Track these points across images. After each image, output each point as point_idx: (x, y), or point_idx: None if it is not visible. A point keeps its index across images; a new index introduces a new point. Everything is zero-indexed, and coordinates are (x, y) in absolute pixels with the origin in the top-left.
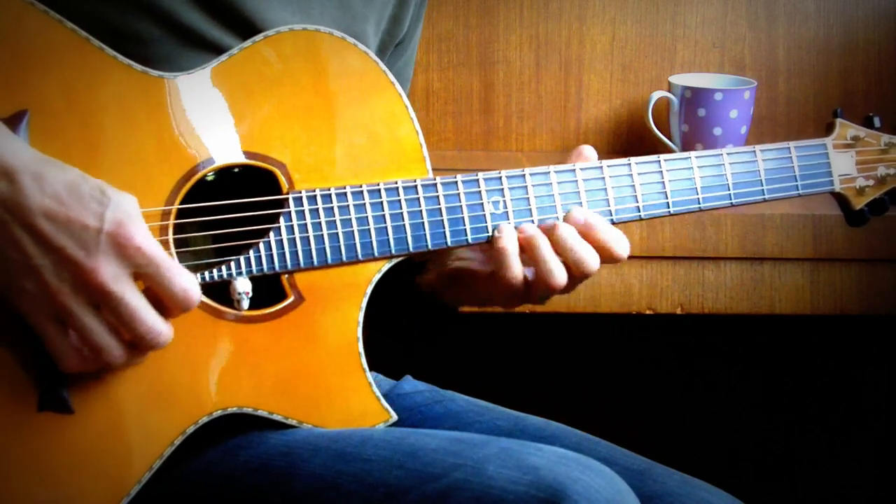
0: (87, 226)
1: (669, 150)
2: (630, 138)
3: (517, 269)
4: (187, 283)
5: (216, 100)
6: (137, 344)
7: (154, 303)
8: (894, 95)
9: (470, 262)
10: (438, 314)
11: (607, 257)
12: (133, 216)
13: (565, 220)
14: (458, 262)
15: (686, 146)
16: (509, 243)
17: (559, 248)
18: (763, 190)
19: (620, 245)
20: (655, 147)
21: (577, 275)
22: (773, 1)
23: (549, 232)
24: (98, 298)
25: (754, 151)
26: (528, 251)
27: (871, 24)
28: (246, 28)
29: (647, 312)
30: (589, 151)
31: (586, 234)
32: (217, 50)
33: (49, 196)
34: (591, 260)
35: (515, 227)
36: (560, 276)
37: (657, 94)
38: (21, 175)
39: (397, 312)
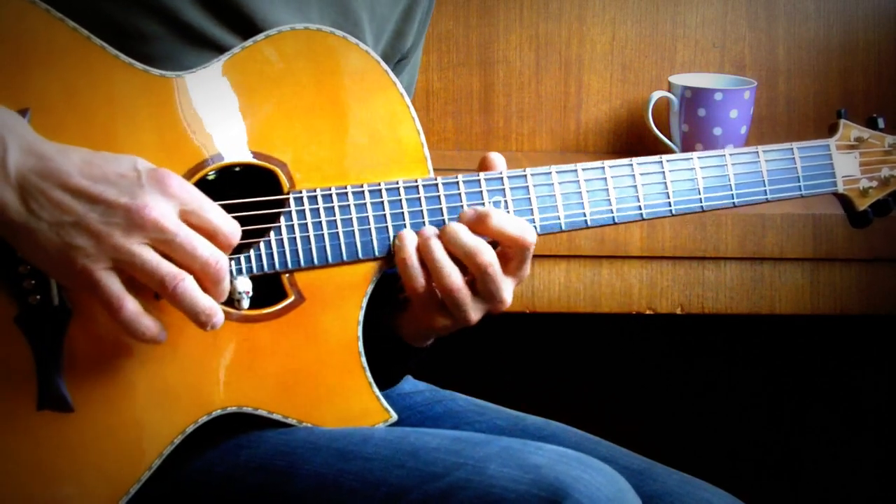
0: (125, 174)
1: (669, 151)
2: (630, 138)
3: (419, 279)
4: (228, 218)
5: (217, 99)
6: (199, 275)
7: None
8: (894, 95)
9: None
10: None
11: (508, 243)
12: (161, 168)
13: (458, 219)
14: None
15: (686, 146)
16: (407, 252)
17: (450, 245)
18: (766, 191)
19: (516, 227)
20: (655, 147)
21: (472, 269)
22: (773, 1)
23: (441, 232)
24: (152, 233)
25: (757, 152)
26: (422, 253)
27: (871, 24)
28: (246, 27)
29: (647, 312)
30: (496, 157)
31: (478, 225)
32: (218, 48)
33: (77, 161)
34: (481, 249)
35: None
36: (452, 273)
37: (657, 94)
38: (46, 149)
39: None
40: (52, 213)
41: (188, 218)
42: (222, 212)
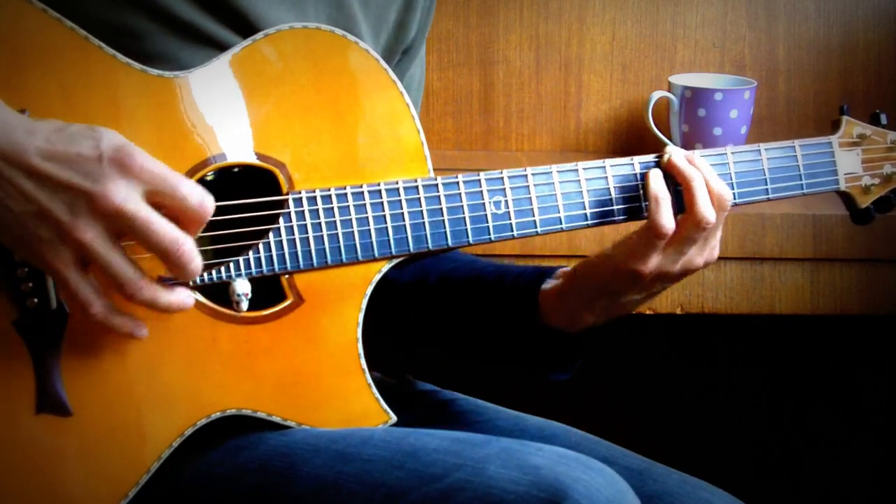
0: (87, 156)
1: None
2: (630, 138)
3: (669, 217)
4: (199, 191)
5: (215, 100)
6: (164, 261)
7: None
8: (894, 95)
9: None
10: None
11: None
12: (127, 143)
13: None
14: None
15: (686, 146)
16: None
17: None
18: (767, 189)
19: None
20: (655, 147)
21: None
22: (773, 1)
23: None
24: (116, 223)
25: (759, 150)
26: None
27: (871, 24)
28: (241, 24)
29: (647, 312)
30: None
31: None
32: (214, 45)
33: (42, 139)
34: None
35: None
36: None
37: (657, 94)
38: (11, 127)
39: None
40: (17, 201)
41: (154, 198)
42: (192, 186)
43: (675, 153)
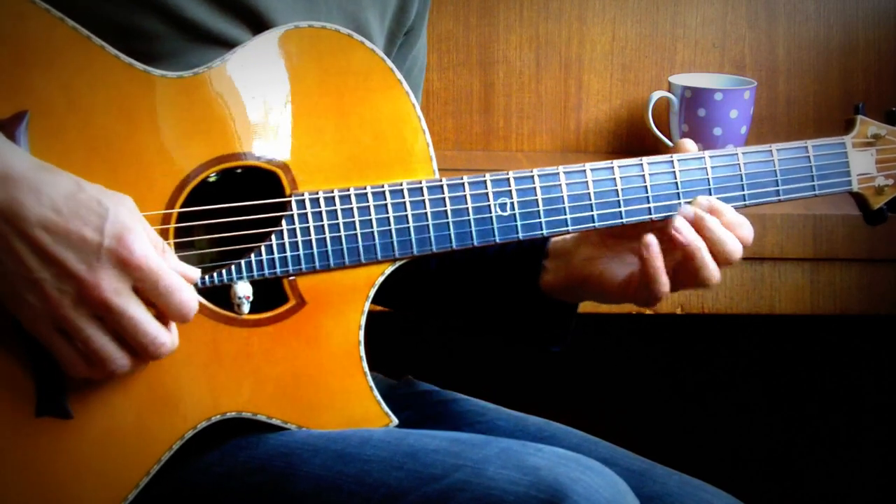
0: (87, 239)
1: (670, 151)
2: (630, 138)
3: (665, 281)
4: (185, 298)
5: (219, 99)
6: (141, 354)
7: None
8: (894, 95)
9: (599, 264)
10: (557, 319)
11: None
12: (132, 228)
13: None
14: (587, 265)
15: None
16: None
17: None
18: (778, 190)
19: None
20: (656, 147)
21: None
22: (773, 1)
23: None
24: (101, 312)
25: (770, 150)
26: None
27: (871, 24)
28: (252, 21)
29: (647, 312)
30: (688, 143)
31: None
32: (223, 44)
33: (47, 207)
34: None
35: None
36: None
37: (657, 94)
38: (18, 185)
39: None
40: (9, 260)
41: (143, 293)
42: (181, 288)
43: (682, 214)
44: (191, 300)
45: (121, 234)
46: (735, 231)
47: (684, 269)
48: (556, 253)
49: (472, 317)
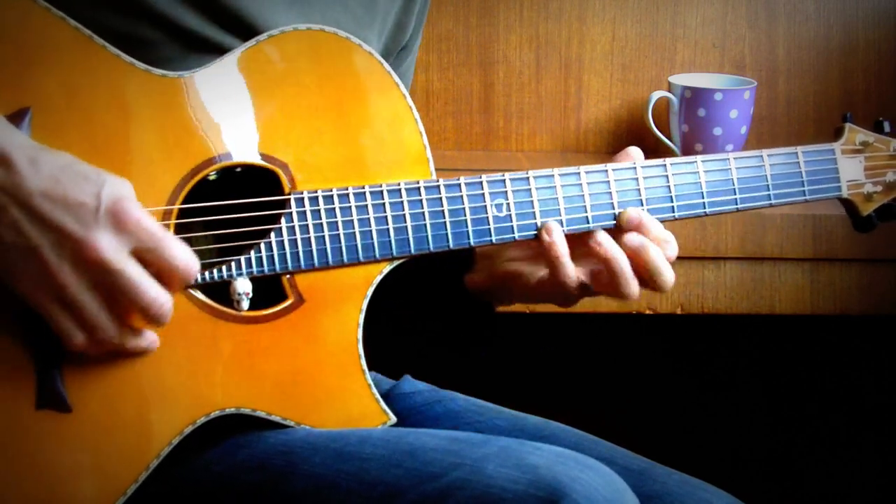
0: (85, 203)
1: (670, 151)
2: (630, 138)
3: (571, 272)
4: (187, 255)
5: (220, 99)
6: (144, 317)
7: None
8: (894, 95)
9: (520, 265)
10: (479, 319)
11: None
12: (129, 195)
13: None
14: (508, 265)
15: (686, 146)
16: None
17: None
18: (769, 195)
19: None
20: (656, 147)
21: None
22: (773, 1)
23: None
24: (99, 275)
25: (761, 156)
26: (636, 259)
27: (871, 24)
28: (247, 31)
29: (647, 312)
30: (634, 151)
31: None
32: (220, 52)
33: (46, 177)
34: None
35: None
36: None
37: (657, 94)
38: (17, 158)
39: (435, 313)
40: (8, 233)
41: (142, 255)
42: (181, 247)
43: (620, 225)
44: (193, 257)
45: (118, 197)
46: (662, 247)
47: (604, 277)
48: (485, 253)
49: (403, 309)
